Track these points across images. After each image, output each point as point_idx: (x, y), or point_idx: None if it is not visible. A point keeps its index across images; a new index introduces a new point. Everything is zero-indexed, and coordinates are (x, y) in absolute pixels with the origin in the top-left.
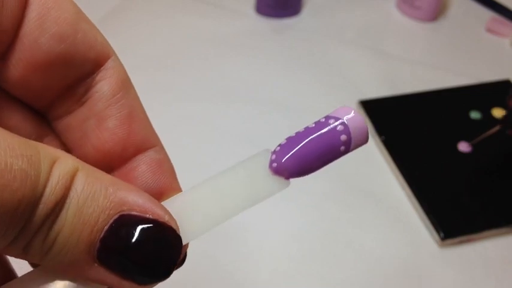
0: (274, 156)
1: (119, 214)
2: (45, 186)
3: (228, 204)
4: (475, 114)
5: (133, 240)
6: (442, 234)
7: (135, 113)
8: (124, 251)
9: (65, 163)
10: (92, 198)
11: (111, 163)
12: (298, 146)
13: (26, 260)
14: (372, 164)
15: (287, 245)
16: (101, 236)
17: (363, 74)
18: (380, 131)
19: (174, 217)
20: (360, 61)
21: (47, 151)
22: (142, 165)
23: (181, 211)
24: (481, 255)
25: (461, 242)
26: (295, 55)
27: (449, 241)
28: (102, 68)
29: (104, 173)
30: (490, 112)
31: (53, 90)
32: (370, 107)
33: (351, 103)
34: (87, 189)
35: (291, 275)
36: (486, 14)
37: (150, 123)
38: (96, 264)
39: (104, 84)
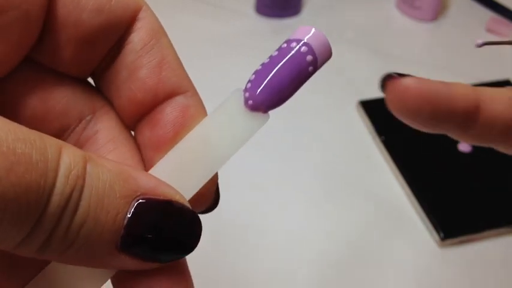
0: (247, 94)
1: (137, 199)
2: (56, 173)
3: (215, 153)
4: None
5: (155, 224)
6: (442, 234)
7: (166, 61)
8: (148, 236)
9: (72, 151)
10: (109, 186)
11: (143, 112)
12: (269, 77)
13: (38, 258)
14: (372, 164)
15: (287, 245)
16: (124, 223)
17: (363, 74)
18: (380, 131)
19: (169, 180)
20: (360, 61)
21: (51, 138)
22: (167, 108)
23: (174, 171)
24: (481, 255)
25: (461, 242)
26: None
27: (449, 241)
28: (133, 24)
29: (109, 160)
30: None
31: (99, 56)
32: (370, 107)
33: (351, 103)
34: (104, 177)
35: (291, 274)
36: (486, 14)
37: (183, 70)
38: (119, 253)
39: (135, 35)
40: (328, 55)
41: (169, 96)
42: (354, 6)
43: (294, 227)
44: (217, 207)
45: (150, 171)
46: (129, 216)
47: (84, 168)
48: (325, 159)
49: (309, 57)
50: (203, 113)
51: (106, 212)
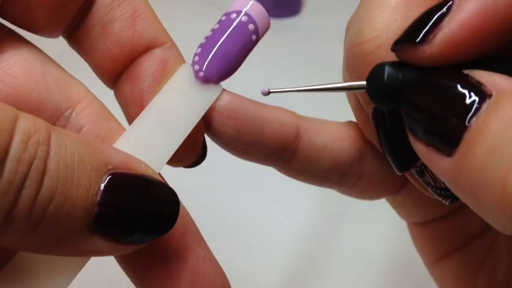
0: (197, 66)
1: (109, 173)
2: (11, 137)
3: (174, 128)
4: None
5: (130, 200)
6: None
7: (138, 13)
8: (122, 214)
9: (33, 118)
10: (79, 156)
11: (121, 68)
12: (216, 48)
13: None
14: None
15: (287, 245)
16: (98, 199)
17: None
18: None
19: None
20: None
21: (6, 105)
22: (145, 62)
23: (137, 147)
24: None
25: None
26: (295, 55)
27: None
28: None
29: (74, 133)
30: None
31: (71, 14)
32: None
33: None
34: (72, 147)
35: (291, 274)
36: None
37: (158, 22)
38: (92, 234)
39: None
40: (267, 24)
41: (146, 49)
42: (354, 6)
43: (292, 227)
44: (217, 208)
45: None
46: (102, 190)
47: (48, 136)
48: None
49: (251, 26)
50: (180, 62)
51: (77, 186)
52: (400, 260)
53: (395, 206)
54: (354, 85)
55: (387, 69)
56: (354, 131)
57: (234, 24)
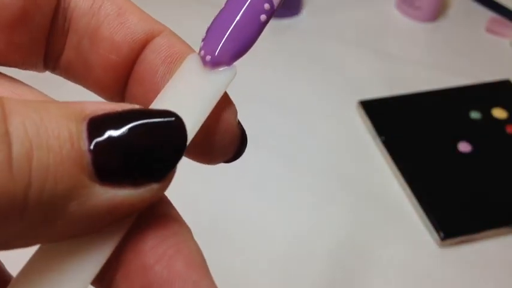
0: (203, 52)
1: (88, 118)
2: None
3: (190, 116)
4: (475, 114)
5: (123, 135)
6: (442, 234)
7: (124, 9)
8: (120, 150)
9: None
10: (46, 112)
11: (124, 74)
12: (221, 27)
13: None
14: (372, 164)
15: (287, 246)
16: (86, 145)
17: (363, 74)
18: (380, 131)
19: None
20: (360, 61)
21: None
22: (149, 56)
23: None
24: (481, 255)
25: (461, 242)
26: (295, 55)
27: (449, 241)
28: None
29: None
30: (490, 112)
31: (41, 34)
32: (370, 107)
33: (351, 103)
34: (33, 105)
35: (291, 275)
36: (486, 14)
37: (149, 15)
38: (101, 185)
39: None
40: None
41: (145, 42)
42: (354, 6)
43: (292, 227)
44: (217, 208)
45: None
46: (86, 135)
47: (1, 104)
48: (325, 159)
49: None
50: (189, 47)
51: (55, 137)
52: (399, 259)
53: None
54: None
55: None
56: None
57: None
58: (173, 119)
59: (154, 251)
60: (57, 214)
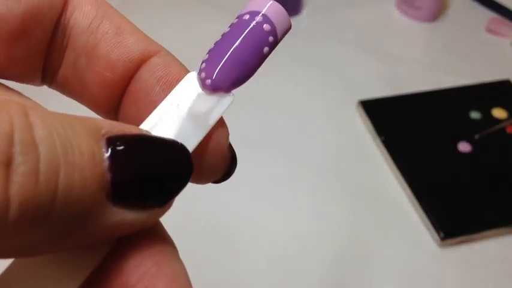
0: (203, 74)
1: (105, 137)
2: None
3: (187, 139)
4: (475, 114)
5: (139, 158)
6: (442, 234)
7: (122, 29)
8: (136, 174)
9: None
10: (69, 124)
11: (119, 93)
12: (224, 53)
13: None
14: (372, 164)
15: (287, 246)
16: (107, 164)
17: (363, 74)
18: (380, 131)
19: None
20: (360, 61)
21: None
22: (144, 75)
23: None
24: (481, 255)
25: (461, 242)
26: (295, 55)
27: (449, 241)
28: (68, 0)
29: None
30: (490, 112)
31: (39, 50)
32: (370, 107)
33: (351, 103)
34: (58, 117)
35: (291, 275)
36: (486, 14)
37: (146, 35)
38: (114, 204)
39: (77, 14)
40: (286, 24)
41: (141, 62)
42: (354, 6)
43: (293, 227)
44: (217, 208)
45: None
46: (107, 155)
47: (27, 115)
48: (325, 159)
49: (266, 26)
50: (185, 68)
51: (80, 154)
52: (399, 259)
53: None
54: None
55: None
56: None
57: (246, 25)
58: (184, 151)
59: (136, 270)
60: (75, 229)
